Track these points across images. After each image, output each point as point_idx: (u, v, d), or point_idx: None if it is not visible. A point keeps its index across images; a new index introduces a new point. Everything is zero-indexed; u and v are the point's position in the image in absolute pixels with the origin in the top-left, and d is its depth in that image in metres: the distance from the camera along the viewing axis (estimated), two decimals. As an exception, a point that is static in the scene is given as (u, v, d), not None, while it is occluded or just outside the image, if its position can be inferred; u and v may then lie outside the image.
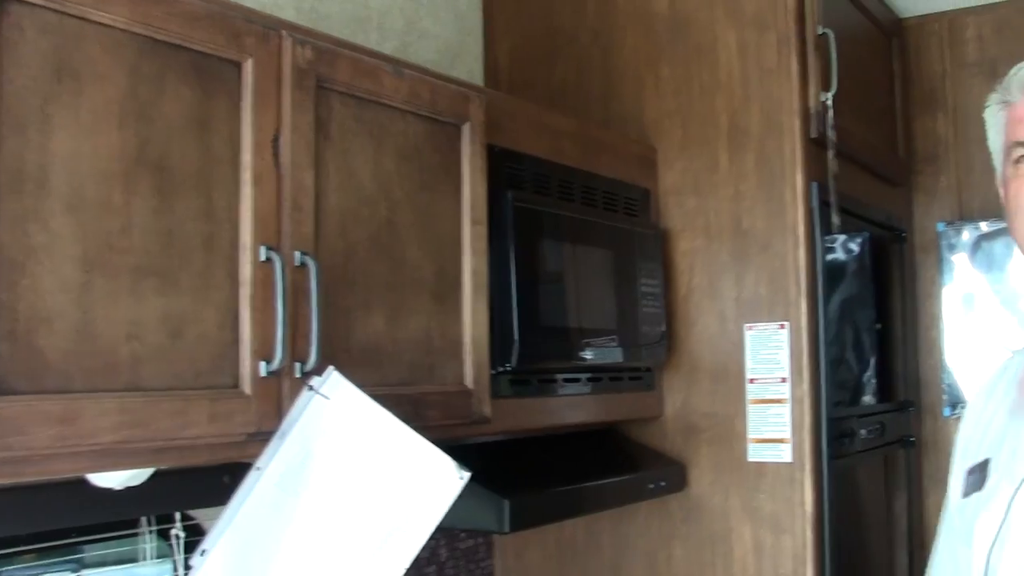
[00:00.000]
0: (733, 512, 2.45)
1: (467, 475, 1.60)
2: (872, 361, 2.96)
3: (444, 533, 2.60)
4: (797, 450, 2.38)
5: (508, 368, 2.00)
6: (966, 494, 1.51)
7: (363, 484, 1.57)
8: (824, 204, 2.41)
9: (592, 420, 2.34)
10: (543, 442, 2.32)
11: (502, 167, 2.03)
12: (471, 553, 2.71)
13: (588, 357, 2.19)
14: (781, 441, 2.39)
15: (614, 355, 2.28)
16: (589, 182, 2.28)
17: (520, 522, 1.96)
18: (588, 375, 2.26)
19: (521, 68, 2.78)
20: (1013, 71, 1.50)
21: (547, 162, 2.17)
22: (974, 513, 1.46)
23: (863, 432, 2.68)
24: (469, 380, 1.91)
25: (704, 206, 2.50)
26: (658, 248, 2.44)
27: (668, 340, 2.47)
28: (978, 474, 1.49)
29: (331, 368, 1.54)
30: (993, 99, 1.52)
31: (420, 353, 1.82)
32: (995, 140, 1.52)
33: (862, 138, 2.81)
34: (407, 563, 1.56)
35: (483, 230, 1.94)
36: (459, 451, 2.05)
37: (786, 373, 2.39)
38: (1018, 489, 1.38)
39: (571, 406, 2.24)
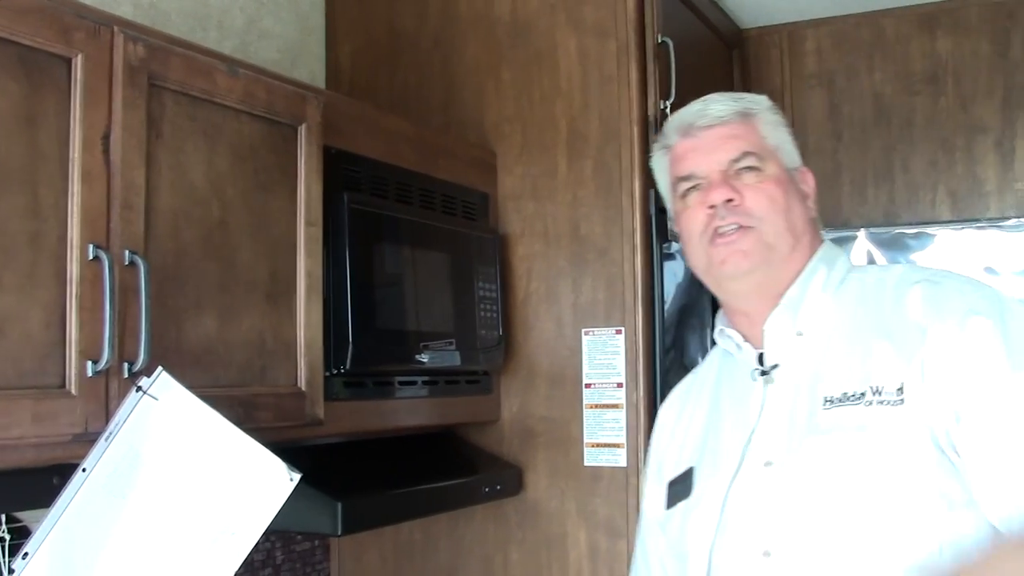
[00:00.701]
0: (569, 516, 2.57)
1: (297, 476, 1.66)
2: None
3: (279, 535, 2.66)
4: (632, 455, 2.51)
5: (342, 370, 2.08)
6: (671, 504, 1.65)
7: (192, 486, 1.62)
8: (662, 211, 2.54)
9: (429, 423, 2.43)
10: (380, 445, 2.40)
11: (339, 169, 2.11)
12: (307, 556, 2.77)
13: (425, 360, 2.28)
14: (616, 446, 2.52)
15: (451, 358, 2.38)
16: (427, 185, 2.38)
17: (353, 525, 2.04)
18: (425, 378, 2.35)
19: (363, 70, 2.85)
20: (669, 120, 1.67)
21: (385, 165, 2.26)
22: (683, 520, 1.60)
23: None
24: (302, 382, 1.98)
25: (543, 211, 2.62)
26: (496, 252, 2.55)
27: (506, 344, 2.58)
28: (682, 483, 1.63)
29: (160, 369, 1.59)
30: (655, 147, 1.71)
31: (252, 355, 1.88)
32: (663, 182, 1.71)
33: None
34: (236, 565, 1.62)
35: (318, 232, 2.02)
36: (293, 453, 2.11)
37: (622, 378, 2.52)
38: (730, 487, 1.52)
39: (407, 409, 2.32)
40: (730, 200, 1.55)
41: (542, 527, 2.60)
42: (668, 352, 2.77)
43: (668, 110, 2.58)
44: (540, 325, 2.62)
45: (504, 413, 2.65)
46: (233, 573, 1.63)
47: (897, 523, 1.39)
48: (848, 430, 1.43)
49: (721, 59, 3.33)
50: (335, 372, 2.07)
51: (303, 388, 1.97)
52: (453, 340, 2.38)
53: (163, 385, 1.59)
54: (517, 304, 2.64)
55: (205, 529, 1.63)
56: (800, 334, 1.56)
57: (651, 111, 2.58)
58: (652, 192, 2.54)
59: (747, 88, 3.46)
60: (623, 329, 2.53)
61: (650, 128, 2.56)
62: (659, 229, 2.55)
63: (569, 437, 2.58)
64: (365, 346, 2.11)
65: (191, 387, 1.58)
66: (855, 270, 1.62)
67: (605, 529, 2.54)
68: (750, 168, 1.56)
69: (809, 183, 1.64)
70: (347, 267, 2.07)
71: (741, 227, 1.55)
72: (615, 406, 2.53)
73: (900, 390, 1.42)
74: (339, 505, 2.00)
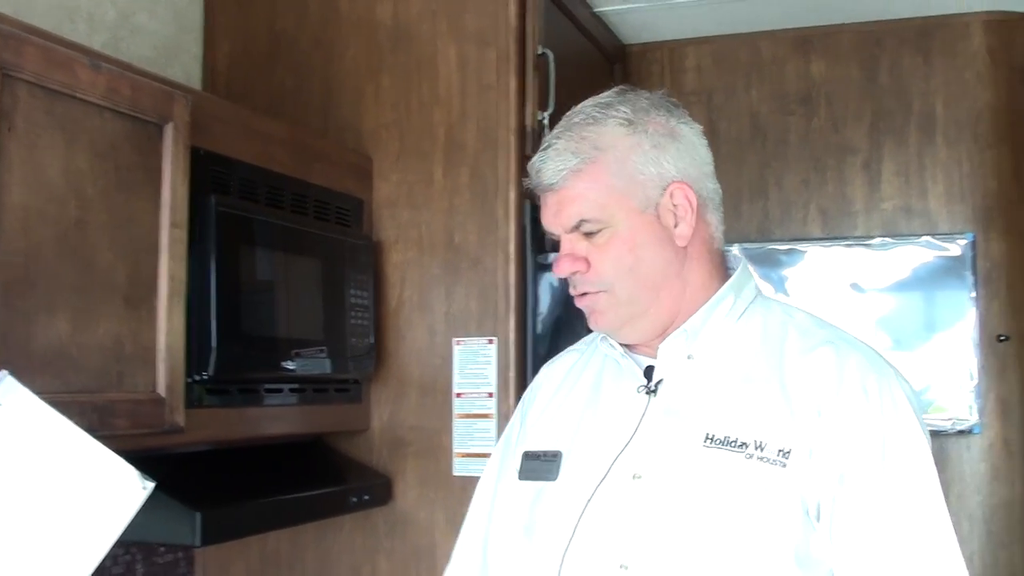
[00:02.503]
0: (438, 526, 2.53)
1: (151, 485, 1.60)
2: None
3: (140, 547, 2.56)
4: (477, 462, 2.48)
5: (205, 377, 2.00)
6: (525, 477, 1.62)
7: (39, 494, 1.54)
8: (536, 222, 2.51)
9: (296, 432, 2.37)
10: (245, 454, 2.33)
11: (207, 170, 2.04)
12: (171, 568, 2.68)
13: (293, 367, 2.22)
14: (486, 456, 2.47)
15: (321, 366, 2.32)
16: (301, 190, 2.32)
17: (213, 535, 1.97)
18: (293, 386, 2.29)
19: (241, 71, 2.78)
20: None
21: (257, 168, 2.19)
22: (538, 501, 1.58)
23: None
24: (162, 388, 1.90)
25: (418, 219, 2.57)
26: (369, 259, 2.50)
27: (377, 353, 2.53)
28: (546, 463, 1.60)
29: (4, 372, 1.51)
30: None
31: (109, 359, 1.81)
32: None
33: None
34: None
35: (183, 234, 1.94)
36: (153, 462, 2.04)
37: (493, 388, 2.49)
38: (593, 494, 1.50)
39: (274, 417, 2.26)
40: (576, 272, 1.53)
41: (411, 537, 2.55)
42: (541, 362, 2.75)
43: (546, 121, 2.56)
44: (412, 334, 2.57)
45: (374, 422, 2.60)
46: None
47: (750, 563, 1.41)
48: (723, 478, 1.43)
49: (602, 73, 3.33)
50: (198, 378, 2.00)
51: (162, 394, 1.90)
52: (323, 347, 2.33)
53: (7, 389, 1.51)
54: (390, 312, 2.59)
55: (53, 539, 1.55)
56: (690, 357, 1.53)
57: (529, 121, 2.55)
58: (527, 203, 2.52)
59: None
60: (495, 339, 2.49)
61: (527, 138, 2.54)
62: (534, 239, 2.52)
63: (439, 447, 2.54)
64: (230, 352, 2.04)
65: (40, 392, 1.50)
66: (759, 300, 1.60)
67: (473, 540, 2.49)
68: (590, 232, 1.51)
69: (683, 201, 1.52)
70: (212, 271, 2.01)
71: (592, 292, 1.53)
72: (485, 416, 2.49)
73: (784, 454, 1.42)
74: (198, 515, 1.93)
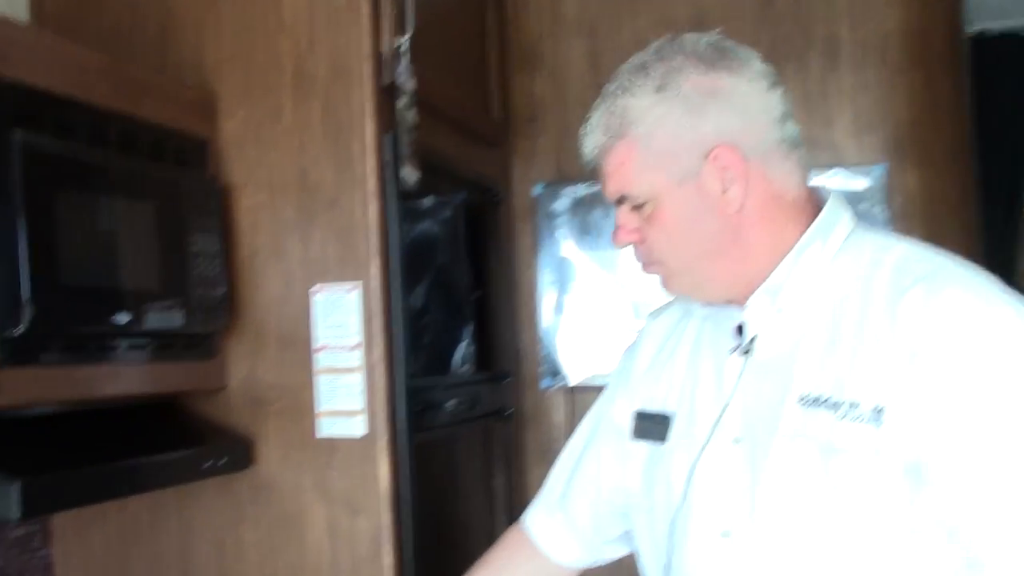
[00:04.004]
0: (305, 492, 2.37)
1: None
2: (468, 331, 2.95)
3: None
4: (371, 423, 2.33)
5: (17, 333, 1.81)
6: (638, 436, 1.64)
7: None
8: (398, 158, 2.35)
9: (138, 392, 2.18)
10: (86, 418, 2.15)
11: (9, 103, 1.84)
12: (24, 542, 2.50)
13: (127, 321, 2.03)
14: (353, 414, 2.32)
15: (162, 319, 2.14)
16: (129, 127, 2.12)
17: (36, 507, 1.80)
18: (133, 341, 2.10)
19: (71, 8, 2.56)
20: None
21: (74, 102, 2.00)
22: (650, 465, 1.60)
23: (451, 404, 2.66)
24: (-40, 346, 1.72)
25: (267, 159, 2.39)
26: (216, 203, 2.32)
27: (230, 305, 2.35)
28: (656, 424, 1.61)
29: None
30: None
31: None
32: None
33: (451, 95, 2.80)
34: None
35: (-22, 171, 1.76)
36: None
37: (358, 339, 2.32)
38: (698, 458, 1.50)
39: (108, 377, 2.07)
40: (630, 244, 1.52)
41: (276, 504, 2.39)
42: (417, 313, 2.60)
43: (405, 46, 2.38)
44: (268, 283, 2.40)
45: (231, 380, 2.42)
46: None
47: (849, 528, 1.37)
48: (816, 441, 1.38)
49: (475, 3, 3.15)
50: (7, 336, 1.81)
51: (-39, 353, 1.72)
52: (164, 299, 2.14)
53: None
54: (242, 260, 2.41)
55: None
56: (780, 312, 1.47)
57: (385, 47, 2.37)
58: (388, 137, 2.35)
59: (504, 36, 3.30)
60: (358, 285, 2.32)
61: (384, 66, 2.36)
62: (396, 177, 2.35)
63: (301, 406, 2.37)
64: (47, 305, 1.85)
65: None
66: (853, 238, 1.49)
67: (344, 505, 2.34)
68: (633, 208, 1.49)
69: (730, 164, 1.43)
70: (20, 216, 1.81)
71: (649, 264, 1.53)
72: (351, 370, 2.33)
73: (878, 411, 1.34)
74: (17, 484, 1.75)
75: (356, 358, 2.33)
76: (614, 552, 1.81)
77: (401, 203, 2.39)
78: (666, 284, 1.54)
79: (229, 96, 2.42)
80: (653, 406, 1.64)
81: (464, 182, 2.92)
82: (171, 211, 2.19)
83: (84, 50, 2.09)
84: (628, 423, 1.67)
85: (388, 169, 2.35)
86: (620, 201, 1.50)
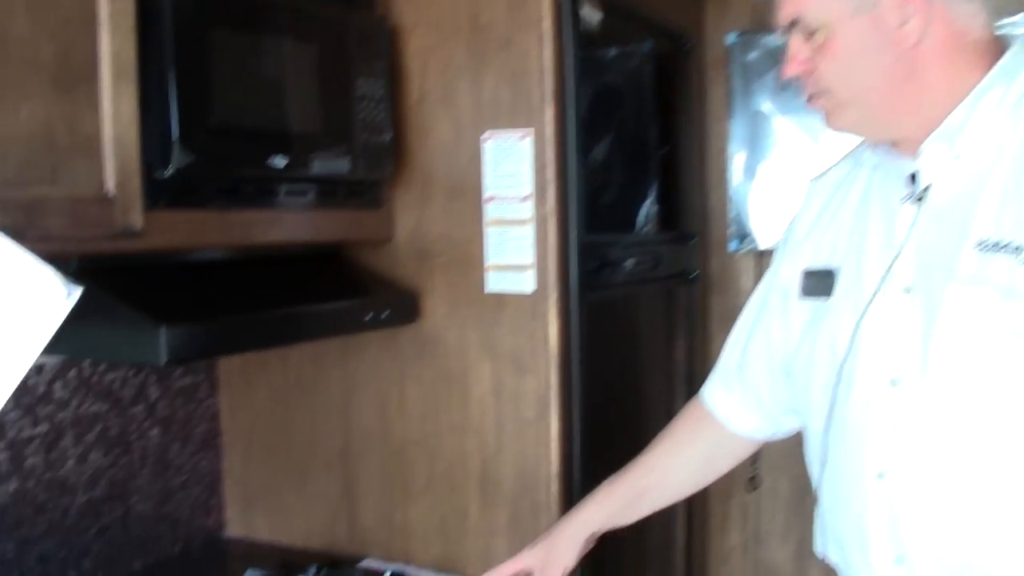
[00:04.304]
0: (471, 348, 2.29)
1: (77, 292, 1.39)
2: (653, 189, 2.79)
3: (153, 370, 2.40)
4: (541, 279, 2.21)
5: (168, 174, 1.76)
6: (806, 294, 1.60)
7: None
8: (577, -6, 2.18)
9: (296, 239, 2.12)
10: (242, 266, 2.10)
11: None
12: (190, 391, 2.53)
13: (285, 165, 1.95)
14: (523, 268, 2.21)
15: (325, 165, 2.06)
16: (292, -38, 2.01)
17: (182, 352, 1.75)
18: (289, 187, 2.03)
19: None
20: None
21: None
22: (815, 320, 1.56)
23: (630, 263, 2.51)
24: (111, 185, 1.67)
25: (438, -2, 2.25)
26: (383, 45, 2.20)
27: (397, 152, 2.25)
28: (822, 280, 1.57)
29: None
30: None
31: (38, 150, 1.58)
32: None
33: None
34: (4, 398, 1.34)
35: (128, 5, 1.68)
36: (121, 270, 1.84)
37: (529, 190, 2.19)
38: (866, 309, 1.46)
39: (265, 222, 2.01)
40: (798, 75, 1.47)
41: (440, 360, 2.32)
42: (598, 166, 2.46)
43: None
44: (437, 129, 2.28)
45: (398, 232, 2.33)
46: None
47: None
48: (996, 286, 1.34)
49: None
50: (159, 175, 1.76)
51: (111, 192, 1.67)
52: (327, 144, 2.06)
53: None
54: (411, 106, 2.30)
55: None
56: (957, 158, 1.42)
57: None
58: (567, -29, 2.18)
59: None
60: (530, 132, 2.18)
61: None
62: (574, 16, 2.18)
63: (469, 259, 2.27)
64: (198, 145, 1.80)
65: None
66: None
67: (511, 363, 2.25)
68: (805, 36, 1.44)
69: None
70: (170, 49, 1.75)
71: (816, 96, 1.47)
72: (522, 222, 2.21)
73: None
74: (163, 329, 1.71)
75: (527, 209, 2.21)
76: (793, 422, 1.74)
77: (581, 47, 2.22)
78: (830, 118, 1.48)
79: (399, -70, 2.28)
80: (819, 262, 1.59)
81: (651, 28, 2.72)
82: (336, 53, 2.09)
83: None
84: (796, 283, 1.63)
85: (566, 8, 2.18)
86: (791, 27, 1.44)
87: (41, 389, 2.18)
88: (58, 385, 2.21)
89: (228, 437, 2.61)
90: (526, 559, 1.82)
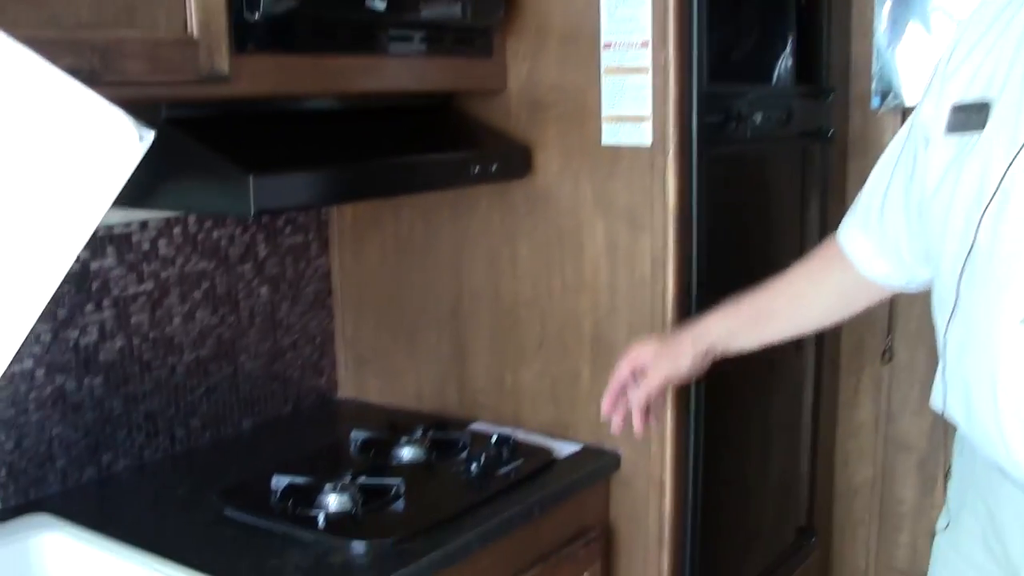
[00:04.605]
0: (584, 204, 2.17)
1: (150, 135, 1.31)
2: (790, 39, 2.60)
3: (262, 226, 2.36)
4: (659, 131, 2.07)
5: (259, 14, 1.66)
6: (952, 129, 1.45)
7: (13, 152, 1.28)
8: None
9: (398, 88, 2.03)
10: (344, 115, 2.02)
11: None
12: (300, 250, 2.48)
13: (385, 7, 1.83)
14: (640, 119, 2.07)
15: (431, 10, 1.94)
16: None
17: (268, 201, 1.67)
18: (391, 32, 1.92)
19: None
20: None
21: None
22: (961, 154, 1.42)
23: (759, 117, 2.34)
24: (194, 26, 1.59)
25: None
26: None
27: (507, -6, 2.11)
28: (973, 114, 1.42)
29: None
30: None
31: (113, -12, 1.49)
32: None
33: None
34: (74, 251, 1.29)
35: None
36: (211, 120, 1.77)
37: (648, 35, 2.04)
38: (1018, 154, 1.33)
39: (365, 69, 1.91)
40: None
41: (553, 217, 2.21)
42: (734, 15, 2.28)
43: None
44: (548, -30, 2.14)
45: (511, 82, 2.21)
46: (70, 263, 1.29)
47: None
48: None
49: None
50: (248, 15, 1.66)
51: (196, 34, 1.58)
52: (430, -16, 1.93)
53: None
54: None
55: (36, 206, 1.30)
56: None
57: None
58: None
59: None
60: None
61: None
62: None
63: (584, 109, 2.14)
64: (290, -16, 1.69)
65: (13, 28, 1.19)
66: None
67: (626, 220, 2.13)
68: None
69: None
70: None
71: None
72: (639, 70, 2.06)
73: None
74: (251, 178, 1.63)
75: (645, 57, 2.06)
76: (927, 273, 1.60)
77: None
78: None
79: None
80: (971, 95, 1.43)
81: None
82: None
83: None
84: (941, 121, 1.47)
85: None
86: None
87: (146, 246, 2.15)
88: (163, 242, 2.17)
89: (339, 296, 2.57)
90: (640, 353, 1.80)
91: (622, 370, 1.81)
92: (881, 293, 1.77)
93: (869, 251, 1.71)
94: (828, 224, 2.72)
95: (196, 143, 1.69)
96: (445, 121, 2.22)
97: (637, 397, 1.79)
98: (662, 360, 1.79)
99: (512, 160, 2.17)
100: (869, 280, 1.73)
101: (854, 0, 2.86)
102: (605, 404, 1.83)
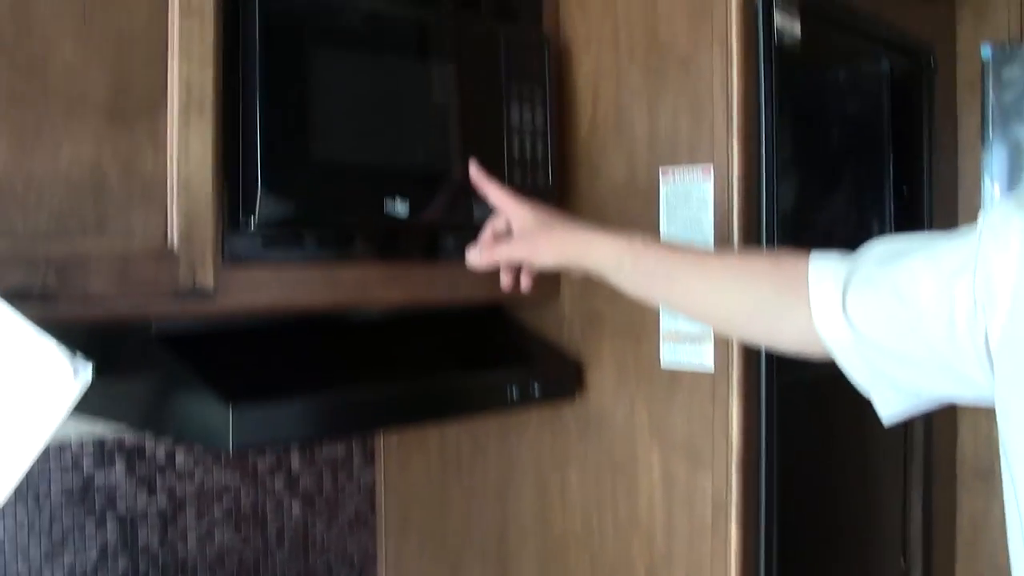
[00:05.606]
0: (640, 431, 1.96)
1: (87, 370, 1.22)
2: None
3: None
4: (721, 355, 1.86)
5: (252, 222, 1.54)
6: None
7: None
8: (772, 5, 1.84)
9: (427, 299, 1.85)
10: (350, 329, 1.87)
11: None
12: (343, 464, 2.32)
13: (407, 212, 1.70)
14: (700, 339, 1.87)
15: (460, 210, 1.78)
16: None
17: (247, 437, 1.51)
18: (412, 238, 1.78)
19: None
20: None
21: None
22: None
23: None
24: (175, 237, 1.47)
25: (612, 8, 1.95)
26: (543, 64, 1.92)
27: (559, 193, 1.95)
28: None
29: None
30: None
31: (81, 197, 1.40)
32: None
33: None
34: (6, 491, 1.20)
35: (205, 26, 1.48)
36: (210, 332, 1.65)
37: (710, 237, 1.86)
38: None
39: (384, 281, 1.76)
40: None
41: (606, 443, 2.01)
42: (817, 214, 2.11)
43: None
44: (607, 166, 1.98)
45: (564, 288, 2.04)
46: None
47: None
48: None
49: None
50: (241, 224, 1.54)
51: (176, 245, 1.46)
52: (462, 183, 1.76)
53: None
54: (579, 139, 2.01)
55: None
56: None
57: None
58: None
59: None
60: (711, 167, 1.85)
61: None
62: (766, 25, 1.83)
63: (643, 324, 1.94)
64: (293, 186, 1.58)
65: None
66: None
67: (684, 453, 1.90)
68: None
69: None
70: (256, 74, 1.53)
71: None
72: (702, 281, 1.87)
73: None
74: (229, 408, 1.48)
75: (709, 266, 1.87)
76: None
77: (779, 65, 1.86)
78: None
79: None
80: None
81: (882, 40, 2.31)
82: (481, 74, 1.83)
83: None
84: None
85: (759, 20, 1.84)
86: None
87: (161, 459, 2.02)
88: (180, 454, 2.04)
89: (383, 515, 2.39)
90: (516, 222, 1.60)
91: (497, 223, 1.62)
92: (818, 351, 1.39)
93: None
94: (932, 443, 2.46)
95: (178, 362, 1.56)
96: (487, 330, 2.06)
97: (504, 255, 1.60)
98: (523, 245, 1.59)
99: (560, 380, 1.99)
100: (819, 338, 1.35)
101: (961, 189, 2.65)
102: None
